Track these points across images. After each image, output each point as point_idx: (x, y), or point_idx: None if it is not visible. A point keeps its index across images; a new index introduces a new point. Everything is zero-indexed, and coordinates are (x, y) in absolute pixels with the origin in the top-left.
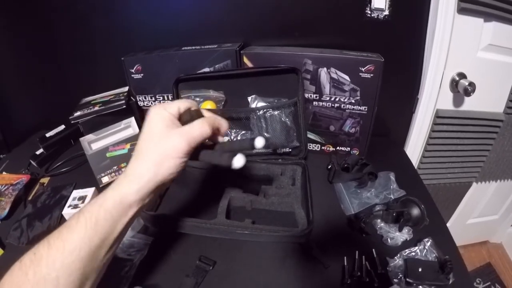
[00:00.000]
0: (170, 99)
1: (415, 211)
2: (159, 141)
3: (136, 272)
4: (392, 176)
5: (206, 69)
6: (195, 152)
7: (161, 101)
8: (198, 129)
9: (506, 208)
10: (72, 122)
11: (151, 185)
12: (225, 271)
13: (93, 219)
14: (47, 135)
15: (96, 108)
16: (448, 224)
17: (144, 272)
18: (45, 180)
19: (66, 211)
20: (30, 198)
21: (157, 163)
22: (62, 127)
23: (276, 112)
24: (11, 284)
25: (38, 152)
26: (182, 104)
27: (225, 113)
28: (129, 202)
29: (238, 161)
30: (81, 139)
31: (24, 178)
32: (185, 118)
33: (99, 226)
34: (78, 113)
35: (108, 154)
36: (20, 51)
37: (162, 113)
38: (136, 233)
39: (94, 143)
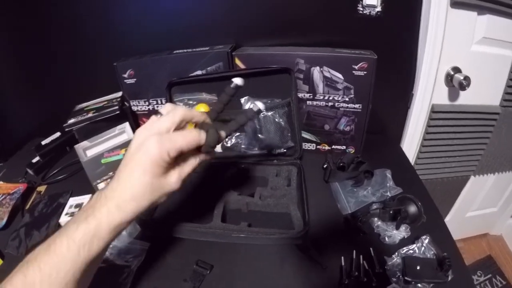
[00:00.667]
0: (163, 103)
1: (412, 209)
2: (139, 161)
3: (134, 279)
4: (388, 174)
5: (199, 72)
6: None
7: (155, 106)
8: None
9: (504, 200)
10: (66, 129)
11: (129, 218)
12: (222, 274)
13: (86, 248)
14: (43, 142)
15: (90, 114)
16: (447, 218)
17: (141, 278)
18: (42, 188)
19: (63, 219)
20: (27, 207)
21: (126, 181)
22: (58, 134)
23: (269, 113)
24: None
25: (34, 160)
26: (174, 120)
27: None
28: (121, 226)
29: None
30: (76, 146)
31: (21, 187)
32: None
33: (91, 252)
34: (72, 120)
35: (103, 161)
36: (13, 59)
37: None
38: (132, 239)
39: (88, 150)
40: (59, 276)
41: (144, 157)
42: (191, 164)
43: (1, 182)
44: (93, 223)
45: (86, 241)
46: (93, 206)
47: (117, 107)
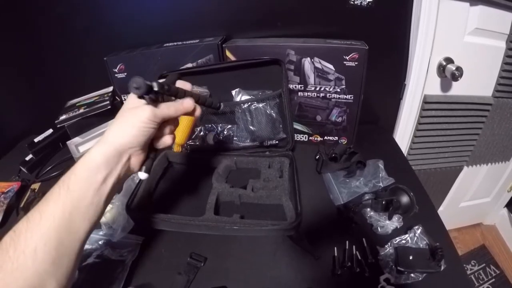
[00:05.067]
0: None
1: (404, 199)
2: (129, 111)
3: (128, 273)
4: (380, 164)
5: (189, 65)
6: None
7: None
8: (166, 109)
9: (497, 191)
10: (58, 126)
11: (115, 147)
12: (216, 266)
13: (65, 186)
14: (36, 140)
15: (81, 110)
16: (440, 208)
17: (136, 273)
18: (36, 186)
19: None
20: (22, 205)
21: (121, 127)
22: (50, 131)
23: (260, 105)
24: None
25: (27, 158)
26: (177, 112)
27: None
28: (95, 165)
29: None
30: (68, 142)
31: (15, 185)
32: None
33: (71, 191)
34: (63, 117)
35: None
36: (3, 57)
37: (147, 115)
38: (126, 233)
39: (81, 145)
40: (43, 219)
41: (135, 118)
42: (164, 106)
43: None
44: (89, 161)
45: (65, 181)
46: (85, 155)
47: (108, 102)
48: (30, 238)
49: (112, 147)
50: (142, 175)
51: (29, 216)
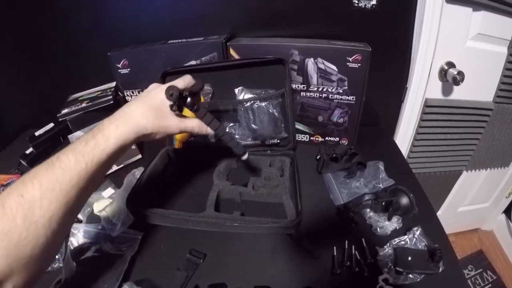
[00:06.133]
0: None
1: (404, 200)
2: (160, 113)
3: (127, 268)
4: (381, 166)
5: (193, 62)
6: None
7: None
8: (190, 127)
9: (496, 196)
10: (60, 119)
11: (144, 133)
12: (215, 263)
13: (95, 160)
14: (36, 133)
15: (84, 104)
16: (439, 212)
17: (135, 268)
18: None
19: None
20: None
21: (139, 112)
22: (51, 125)
23: (263, 104)
24: None
25: (28, 151)
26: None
27: (212, 106)
28: (127, 144)
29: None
30: (69, 136)
31: (14, 178)
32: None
33: (98, 165)
34: (65, 110)
35: None
36: (5, 50)
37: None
38: (126, 228)
39: None
40: (62, 190)
41: (151, 98)
42: (190, 124)
43: None
44: (102, 139)
45: (95, 155)
46: (100, 128)
47: (110, 97)
48: (47, 207)
49: (141, 133)
50: (244, 156)
51: (43, 181)
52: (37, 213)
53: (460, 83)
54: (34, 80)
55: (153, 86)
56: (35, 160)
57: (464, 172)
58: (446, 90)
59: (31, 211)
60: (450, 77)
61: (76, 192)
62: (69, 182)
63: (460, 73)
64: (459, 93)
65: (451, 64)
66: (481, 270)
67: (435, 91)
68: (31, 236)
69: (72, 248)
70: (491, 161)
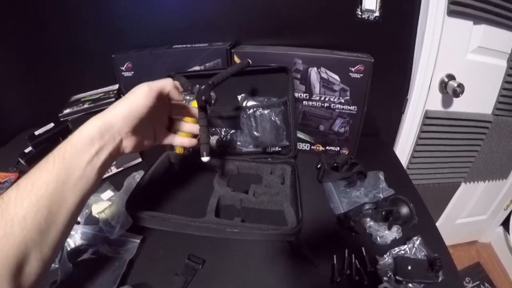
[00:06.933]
0: None
1: (404, 210)
2: (129, 92)
3: (125, 271)
4: (381, 176)
5: (197, 68)
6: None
7: None
8: (160, 82)
9: (494, 208)
10: (62, 119)
11: (110, 122)
12: (214, 269)
13: (61, 155)
14: (36, 133)
15: (86, 105)
16: (437, 224)
17: (133, 271)
18: None
19: None
20: None
21: (118, 105)
22: (52, 125)
23: (266, 111)
24: None
25: (26, 150)
26: (166, 86)
27: (215, 112)
28: (90, 137)
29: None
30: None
31: (12, 176)
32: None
33: (65, 161)
34: (67, 111)
35: None
36: (8, 48)
37: (144, 89)
38: (125, 231)
39: None
40: (35, 187)
41: (132, 96)
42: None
43: None
44: (85, 132)
45: (60, 150)
46: (80, 127)
47: (113, 99)
48: (20, 205)
49: (106, 122)
50: (205, 159)
51: (19, 183)
52: (12, 212)
53: (460, 95)
54: (35, 79)
55: (137, 86)
56: (33, 159)
57: (463, 184)
58: (446, 102)
59: (7, 211)
60: (450, 89)
61: (48, 191)
62: (40, 179)
63: (460, 85)
64: (459, 105)
65: (451, 77)
66: (478, 282)
67: (435, 103)
68: (8, 233)
69: (68, 249)
70: (489, 174)
